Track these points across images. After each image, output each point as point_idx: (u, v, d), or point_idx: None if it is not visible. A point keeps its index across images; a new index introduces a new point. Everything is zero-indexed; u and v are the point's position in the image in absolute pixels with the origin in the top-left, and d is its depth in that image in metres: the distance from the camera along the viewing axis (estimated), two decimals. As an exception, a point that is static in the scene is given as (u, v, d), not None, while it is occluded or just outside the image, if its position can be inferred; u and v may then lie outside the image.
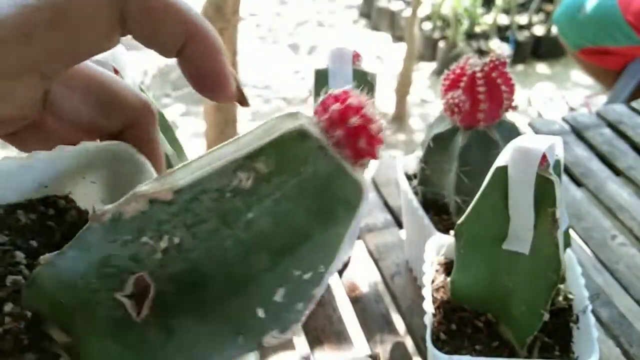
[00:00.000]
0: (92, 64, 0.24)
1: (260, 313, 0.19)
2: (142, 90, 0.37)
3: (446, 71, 0.55)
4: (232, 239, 0.18)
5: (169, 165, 0.37)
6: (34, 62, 0.20)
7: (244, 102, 0.24)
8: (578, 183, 0.83)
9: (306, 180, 0.18)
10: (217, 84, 0.22)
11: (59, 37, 0.19)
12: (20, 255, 0.21)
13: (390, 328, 0.63)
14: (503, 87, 0.52)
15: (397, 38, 2.90)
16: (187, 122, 2.25)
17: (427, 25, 2.74)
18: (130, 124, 0.24)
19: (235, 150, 0.18)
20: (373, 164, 0.63)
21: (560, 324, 0.47)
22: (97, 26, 0.20)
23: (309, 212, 0.18)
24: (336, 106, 0.18)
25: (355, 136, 0.18)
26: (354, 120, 0.18)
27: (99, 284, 0.19)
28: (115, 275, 0.19)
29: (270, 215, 0.18)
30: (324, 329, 0.62)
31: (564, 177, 0.81)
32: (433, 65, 2.68)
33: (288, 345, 0.61)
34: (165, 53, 0.22)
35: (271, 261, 0.18)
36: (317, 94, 0.60)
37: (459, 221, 0.46)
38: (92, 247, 0.19)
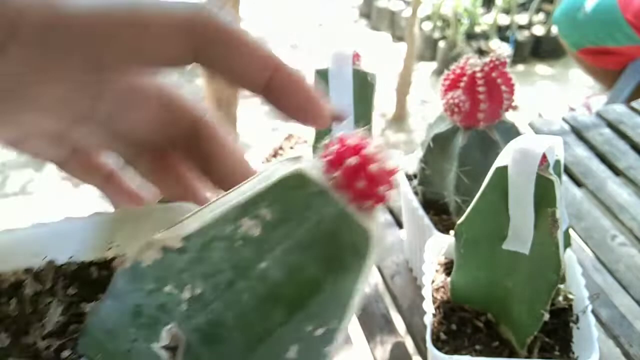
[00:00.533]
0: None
1: None
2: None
3: (446, 71, 0.55)
4: (248, 292, 0.18)
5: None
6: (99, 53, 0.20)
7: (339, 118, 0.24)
8: (578, 183, 0.83)
9: (312, 227, 0.18)
10: (314, 113, 0.23)
11: (129, 34, 0.20)
12: (86, 307, 0.23)
13: (390, 328, 0.63)
14: (503, 87, 0.52)
15: (397, 38, 2.90)
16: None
17: (427, 25, 2.73)
18: (195, 130, 0.25)
19: (237, 196, 0.18)
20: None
21: (560, 324, 0.47)
22: (167, 45, 0.21)
23: (318, 262, 0.18)
24: (334, 147, 0.18)
25: (353, 177, 0.17)
26: (351, 161, 0.17)
27: (137, 334, 0.19)
28: (149, 325, 0.19)
29: (281, 265, 0.18)
30: (324, 329, 0.62)
31: (564, 177, 0.81)
32: (433, 65, 2.67)
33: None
34: (252, 88, 0.22)
35: (286, 315, 0.18)
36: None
37: (459, 221, 0.45)
38: (122, 295, 0.19)
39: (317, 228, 0.18)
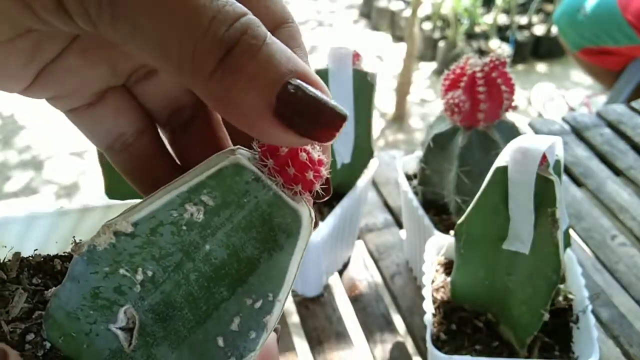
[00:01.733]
0: None
1: (220, 342, 0.21)
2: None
3: (446, 71, 0.55)
4: (195, 272, 0.20)
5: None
6: None
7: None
8: (578, 183, 0.83)
9: (251, 211, 0.20)
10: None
11: None
12: (48, 295, 0.24)
13: (390, 328, 0.63)
14: (503, 87, 0.52)
15: (397, 38, 2.90)
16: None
17: (427, 25, 2.73)
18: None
19: (181, 185, 0.20)
20: (373, 165, 0.63)
21: (560, 324, 0.47)
22: None
23: (256, 242, 0.20)
24: None
25: (284, 164, 0.19)
26: (282, 150, 0.19)
27: (95, 316, 0.21)
28: (106, 307, 0.21)
29: (223, 247, 0.20)
30: (324, 329, 0.62)
31: (564, 177, 0.81)
32: (433, 65, 2.67)
33: (289, 346, 0.61)
34: None
35: (228, 291, 0.20)
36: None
37: (459, 221, 0.46)
38: (80, 278, 0.21)
39: (254, 212, 0.20)
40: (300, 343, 0.61)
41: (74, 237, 0.27)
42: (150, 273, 0.20)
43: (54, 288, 0.23)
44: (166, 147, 0.26)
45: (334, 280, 0.68)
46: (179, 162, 0.26)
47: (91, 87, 0.23)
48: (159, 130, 0.26)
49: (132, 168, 0.25)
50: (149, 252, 0.20)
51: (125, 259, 0.20)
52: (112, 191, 0.57)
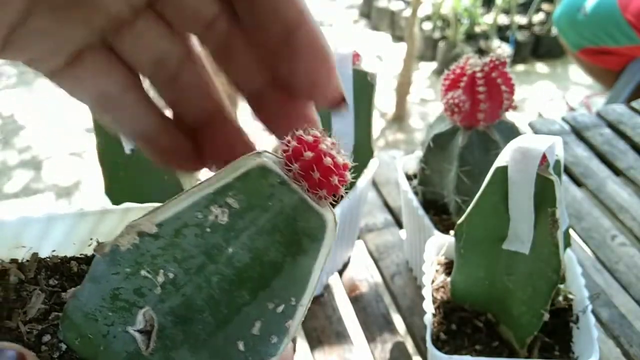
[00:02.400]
0: None
1: (241, 346, 0.20)
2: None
3: (446, 71, 0.55)
4: (217, 275, 0.20)
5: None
6: None
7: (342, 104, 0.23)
8: (578, 183, 0.83)
9: (275, 215, 0.20)
10: (324, 84, 0.22)
11: None
12: (66, 296, 0.24)
13: (390, 328, 0.63)
14: (503, 87, 0.52)
15: (397, 38, 2.90)
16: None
17: (427, 25, 2.73)
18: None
19: (207, 187, 0.20)
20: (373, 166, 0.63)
21: (560, 324, 0.47)
22: None
23: (280, 245, 0.20)
24: (293, 143, 0.20)
25: (309, 169, 0.19)
26: (307, 154, 0.19)
27: (114, 317, 0.21)
28: (125, 309, 0.21)
29: (246, 250, 0.20)
30: (324, 329, 0.62)
31: (564, 177, 0.81)
32: (433, 65, 2.67)
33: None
34: (270, 37, 0.21)
35: (250, 295, 0.20)
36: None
37: (459, 221, 0.45)
38: (101, 279, 0.21)
39: (279, 215, 0.20)
40: (300, 343, 0.61)
41: (91, 238, 0.27)
42: (171, 275, 0.20)
43: (72, 289, 0.23)
44: (153, 102, 0.26)
45: (334, 280, 0.68)
46: (170, 117, 0.26)
47: (66, 47, 0.22)
48: (148, 82, 0.25)
49: (120, 125, 0.25)
50: (172, 254, 0.20)
51: (147, 260, 0.20)
52: (112, 191, 0.57)
